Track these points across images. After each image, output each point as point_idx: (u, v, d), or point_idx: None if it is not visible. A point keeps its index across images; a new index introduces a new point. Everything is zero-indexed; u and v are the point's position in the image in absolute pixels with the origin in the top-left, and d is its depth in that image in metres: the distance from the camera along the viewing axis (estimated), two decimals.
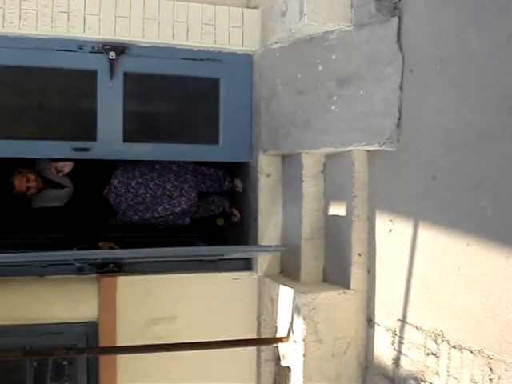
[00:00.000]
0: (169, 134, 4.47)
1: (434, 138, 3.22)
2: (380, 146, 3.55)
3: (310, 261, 4.12)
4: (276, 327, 4.14)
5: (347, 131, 3.74)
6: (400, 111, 3.44)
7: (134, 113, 4.36)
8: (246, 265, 4.45)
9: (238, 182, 4.80)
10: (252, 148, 4.53)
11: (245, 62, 4.47)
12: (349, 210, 3.81)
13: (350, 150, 3.77)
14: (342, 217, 3.88)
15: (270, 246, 3.90)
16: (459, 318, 3.01)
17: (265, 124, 4.36)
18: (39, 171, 4.36)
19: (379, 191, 3.70)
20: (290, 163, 4.31)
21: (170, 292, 4.25)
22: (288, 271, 4.32)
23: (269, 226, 4.37)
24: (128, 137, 4.30)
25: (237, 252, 3.85)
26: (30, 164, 4.42)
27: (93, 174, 4.47)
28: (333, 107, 3.83)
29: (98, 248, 4.01)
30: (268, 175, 4.39)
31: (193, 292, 4.30)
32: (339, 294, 3.77)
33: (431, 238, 3.20)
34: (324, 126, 3.89)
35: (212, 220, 5.03)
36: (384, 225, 3.64)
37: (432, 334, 3.20)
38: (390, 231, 3.56)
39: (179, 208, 4.45)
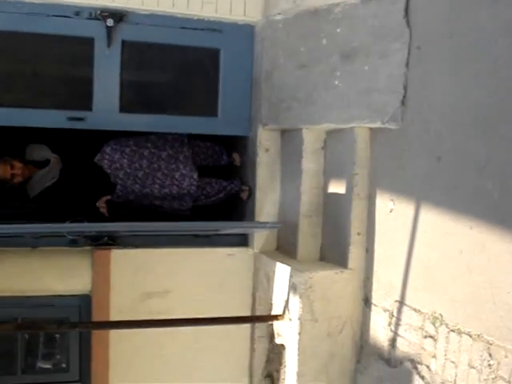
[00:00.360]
0: (166, 105, 4.35)
1: (440, 117, 3.13)
2: (383, 124, 3.46)
3: (308, 238, 4.05)
4: (271, 304, 4.09)
5: (350, 107, 3.65)
6: (405, 88, 3.35)
7: (131, 82, 4.24)
8: (242, 240, 4.38)
9: (236, 156, 4.67)
10: (251, 122, 4.43)
11: (246, 33, 4.34)
12: (349, 189, 3.73)
13: (353, 127, 3.68)
14: (342, 195, 3.81)
15: (266, 223, 3.83)
16: (459, 302, 2.96)
17: (265, 98, 4.25)
18: (27, 159, 4.22)
19: (381, 170, 3.62)
20: (289, 138, 4.22)
21: (164, 266, 4.19)
22: (285, 248, 4.26)
23: (266, 201, 4.29)
24: (125, 107, 4.18)
25: (233, 228, 3.78)
26: (18, 153, 4.25)
27: (85, 143, 4.35)
28: (336, 82, 3.73)
29: (95, 220, 3.88)
30: (267, 150, 4.31)
31: (187, 267, 4.24)
32: (336, 273, 3.72)
33: (433, 219, 3.14)
34: (326, 101, 3.79)
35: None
36: (384, 204, 3.57)
37: (430, 317, 3.15)
38: (391, 211, 3.49)
39: (177, 178, 4.29)
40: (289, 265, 3.84)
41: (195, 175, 4.28)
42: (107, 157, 4.13)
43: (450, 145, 3.06)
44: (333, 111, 3.76)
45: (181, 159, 4.30)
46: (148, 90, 4.33)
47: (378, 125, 3.51)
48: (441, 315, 3.09)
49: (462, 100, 3.00)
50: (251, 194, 4.38)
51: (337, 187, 3.89)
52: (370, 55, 3.54)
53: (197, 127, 4.38)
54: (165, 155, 4.27)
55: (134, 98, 4.27)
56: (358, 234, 3.72)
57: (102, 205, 4.11)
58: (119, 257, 4.09)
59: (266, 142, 4.30)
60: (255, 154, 4.32)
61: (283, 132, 4.30)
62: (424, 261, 3.21)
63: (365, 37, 3.57)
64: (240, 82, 4.38)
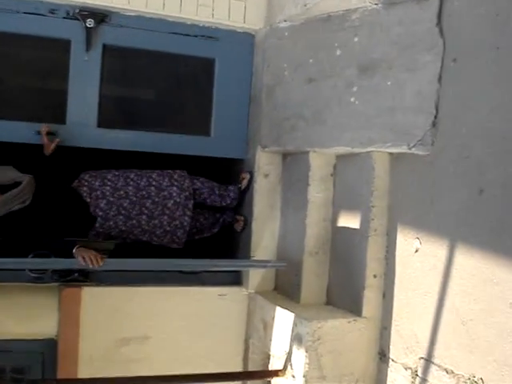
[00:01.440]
0: (152, 121, 3.81)
1: (482, 142, 2.63)
2: (409, 149, 2.95)
3: (313, 279, 3.51)
4: (268, 355, 3.51)
5: (368, 128, 3.13)
6: (437, 108, 2.85)
7: (112, 93, 3.71)
8: (235, 279, 3.81)
9: (245, 176, 3.91)
10: (249, 143, 3.91)
11: (245, 41, 3.83)
12: (364, 223, 3.20)
13: (370, 152, 3.17)
14: (355, 230, 3.28)
15: (267, 262, 3.27)
16: (507, 366, 2.43)
17: (266, 116, 3.73)
18: None
19: (403, 202, 3.10)
20: (293, 163, 3.69)
21: (144, 307, 3.59)
22: (285, 289, 3.70)
23: (264, 234, 3.75)
24: (103, 121, 3.64)
25: (228, 267, 3.22)
26: None
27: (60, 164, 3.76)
28: (352, 99, 3.22)
29: (66, 255, 3.18)
30: (266, 175, 3.77)
31: (170, 308, 3.65)
32: (349, 322, 3.16)
33: (473, 263, 2.61)
34: (339, 120, 3.28)
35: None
36: (408, 243, 3.05)
37: (468, 381, 2.61)
38: (417, 251, 2.96)
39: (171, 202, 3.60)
40: (292, 311, 3.28)
41: (190, 204, 3.66)
42: (86, 183, 3.48)
43: (494, 175, 2.55)
44: (346, 132, 3.24)
45: (175, 184, 3.66)
46: (131, 102, 3.80)
47: (402, 150, 2.99)
48: (481, 380, 2.55)
49: (508, 123, 2.50)
50: (246, 224, 3.83)
51: (349, 220, 3.35)
52: (393, 68, 3.03)
53: (186, 147, 3.83)
54: (155, 176, 3.65)
55: (114, 112, 3.73)
56: (375, 276, 3.18)
57: (81, 253, 3.20)
58: (91, 296, 3.49)
59: (265, 167, 3.77)
60: (252, 180, 3.78)
61: (285, 155, 3.78)
62: (460, 313, 2.68)
63: (388, 47, 3.07)
64: (237, 97, 3.86)
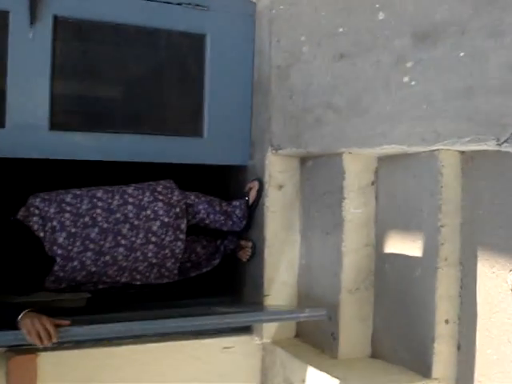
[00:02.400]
0: (123, 119, 2.86)
1: None
2: (499, 145, 2.06)
3: (354, 324, 2.61)
4: None
5: (432, 119, 2.24)
6: None
7: (69, 84, 2.72)
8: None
9: (253, 183, 2.96)
10: (254, 144, 2.98)
11: (244, 10, 2.90)
12: (429, 249, 2.32)
13: (435, 151, 2.28)
14: (415, 259, 2.39)
15: (300, 312, 2.30)
16: None
17: (278, 107, 2.81)
18: None
19: (486, 219, 2.22)
20: (318, 169, 2.78)
21: (124, 373, 2.64)
22: (312, 337, 2.78)
23: (280, 264, 2.84)
24: (58, 123, 2.67)
25: (247, 322, 2.28)
26: None
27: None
28: (405, 79, 2.32)
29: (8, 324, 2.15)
30: (280, 187, 2.86)
31: (160, 372, 2.70)
32: None
33: None
34: (388, 109, 2.38)
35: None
36: (495, 276, 2.18)
37: None
38: None
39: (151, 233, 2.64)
40: (332, 374, 2.37)
41: (183, 224, 2.69)
42: (37, 211, 2.46)
43: None
44: (399, 125, 2.34)
45: (160, 198, 2.67)
46: (95, 96, 2.81)
47: (487, 146, 2.11)
48: None
49: None
50: (255, 252, 2.91)
51: (402, 245, 2.46)
52: (467, 33, 2.15)
53: (170, 154, 2.88)
54: (132, 191, 2.66)
55: (72, 109, 2.75)
56: (447, 321, 2.31)
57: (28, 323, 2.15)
58: (52, 363, 2.52)
59: (278, 175, 2.85)
60: (263, 191, 2.86)
61: (305, 159, 2.86)
62: None
63: (456, 4, 2.19)
64: (236, 85, 2.95)
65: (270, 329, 2.80)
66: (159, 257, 2.67)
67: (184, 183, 2.84)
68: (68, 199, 2.52)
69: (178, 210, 2.69)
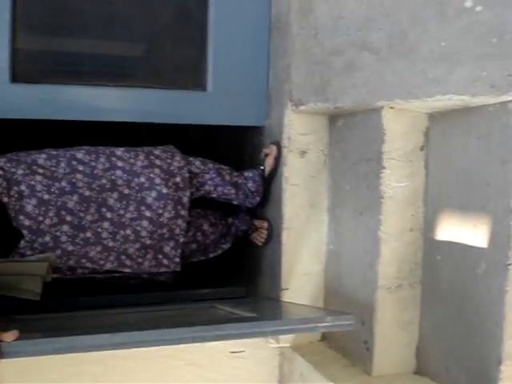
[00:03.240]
0: (105, 69, 2.29)
1: None
2: None
3: (393, 332, 2.01)
4: None
5: (504, 57, 1.60)
6: None
7: (35, 21, 2.17)
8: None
9: (270, 149, 2.34)
10: (271, 99, 2.38)
11: None
12: (498, 237, 1.69)
13: (508, 102, 1.65)
14: (477, 250, 1.76)
15: (322, 318, 1.67)
16: None
17: (298, 50, 2.18)
18: None
19: None
20: (349, 130, 2.15)
21: None
22: (342, 343, 2.20)
23: (302, 251, 2.25)
24: (21, 73, 2.12)
25: (263, 333, 1.69)
26: None
27: None
28: (467, 3, 1.68)
29: None
30: (303, 153, 2.24)
31: (151, 382, 2.19)
32: None
33: None
34: (442, 46, 1.73)
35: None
36: None
37: None
38: None
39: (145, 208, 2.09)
40: None
41: (185, 197, 2.15)
42: (1, 172, 1.93)
43: None
44: (457, 67, 1.70)
45: (158, 164, 2.14)
46: (68, 38, 2.25)
47: None
48: None
49: None
50: (271, 235, 2.33)
51: (461, 232, 1.83)
52: None
53: (165, 111, 2.30)
54: (122, 153, 2.12)
55: (39, 56, 2.20)
56: None
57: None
58: (17, 372, 2.03)
59: (300, 139, 2.24)
60: (280, 162, 2.27)
61: (334, 118, 2.24)
62: None
63: None
64: (249, 24, 2.32)
65: None
66: (155, 237, 2.12)
67: (186, 150, 2.27)
68: (41, 161, 1.99)
69: (178, 179, 2.15)
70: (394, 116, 1.95)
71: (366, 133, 2.03)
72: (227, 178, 2.30)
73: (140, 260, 2.15)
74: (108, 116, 2.25)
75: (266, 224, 2.35)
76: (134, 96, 2.28)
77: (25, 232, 1.93)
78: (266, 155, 2.33)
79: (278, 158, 2.29)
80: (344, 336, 2.16)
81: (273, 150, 2.30)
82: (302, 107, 2.18)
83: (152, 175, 2.10)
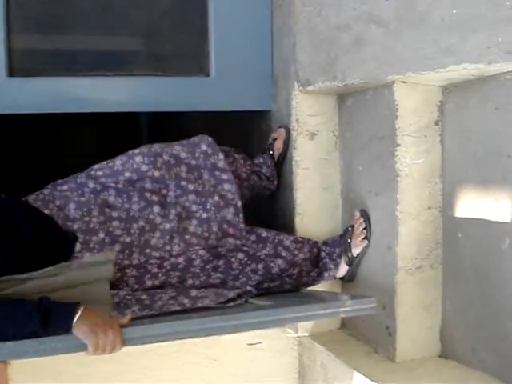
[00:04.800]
0: (103, 58, 2.22)
1: None
2: None
3: (416, 315, 1.94)
4: None
5: None
6: None
7: (31, 14, 2.10)
8: None
9: (278, 133, 2.27)
10: (277, 81, 2.30)
11: None
12: None
13: None
14: (500, 225, 1.68)
15: (342, 303, 1.60)
16: None
17: (303, 28, 2.11)
18: None
19: None
20: (360, 108, 2.08)
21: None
22: (363, 330, 2.13)
23: (316, 235, 2.17)
24: (18, 67, 2.06)
25: (266, 323, 1.62)
26: None
27: None
28: None
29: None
30: (313, 135, 2.17)
31: (165, 379, 2.13)
32: None
33: None
34: (454, 13, 1.65)
35: None
36: None
37: None
38: None
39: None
40: None
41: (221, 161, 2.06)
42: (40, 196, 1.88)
43: None
44: (471, 35, 1.61)
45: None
46: (65, 29, 2.18)
47: None
48: None
49: None
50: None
51: (482, 206, 1.76)
52: None
53: (168, 99, 2.23)
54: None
55: (35, 49, 2.13)
56: None
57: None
58: (26, 373, 1.98)
59: (309, 120, 2.16)
60: (289, 144, 2.19)
61: (344, 97, 2.17)
62: None
63: None
64: (249, 7, 2.26)
65: None
66: (210, 208, 1.96)
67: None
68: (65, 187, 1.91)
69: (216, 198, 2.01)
70: (407, 90, 1.87)
71: (377, 110, 1.95)
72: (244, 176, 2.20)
73: (206, 235, 1.95)
74: (109, 107, 2.19)
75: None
76: (136, 85, 2.22)
77: (78, 234, 1.80)
78: (275, 140, 2.26)
79: (287, 142, 2.21)
80: (364, 322, 2.09)
81: (281, 133, 2.23)
82: (310, 87, 2.10)
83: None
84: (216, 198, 1.97)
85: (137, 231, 1.88)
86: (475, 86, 1.77)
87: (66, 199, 1.84)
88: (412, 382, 1.79)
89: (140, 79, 2.22)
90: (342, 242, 2.06)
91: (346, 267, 2.06)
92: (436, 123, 1.91)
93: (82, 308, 1.46)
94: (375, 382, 1.78)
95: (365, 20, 1.89)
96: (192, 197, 1.95)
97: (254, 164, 2.27)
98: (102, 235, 1.83)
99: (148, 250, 1.88)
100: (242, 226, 1.99)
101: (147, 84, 2.21)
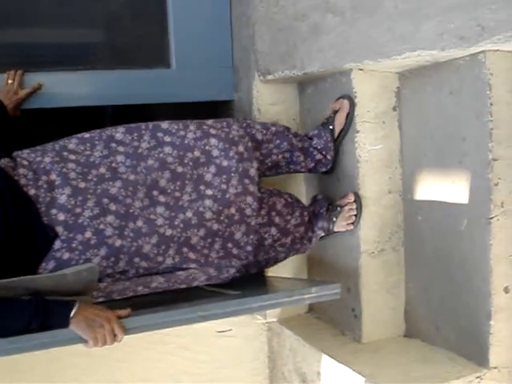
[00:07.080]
0: (63, 53, 2.21)
1: None
2: None
3: (380, 296, 1.99)
4: None
5: (472, 6, 1.55)
6: None
7: None
8: None
9: (343, 104, 1.95)
10: (238, 71, 2.32)
11: None
12: (478, 192, 1.67)
13: (478, 53, 1.61)
14: (458, 207, 1.74)
15: (307, 290, 1.62)
16: None
17: (261, 18, 2.13)
18: None
19: None
20: (320, 96, 2.11)
21: (91, 376, 2.10)
22: (329, 313, 2.18)
23: None
24: None
25: (234, 312, 1.64)
26: None
27: None
28: None
29: None
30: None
31: (138, 370, 2.16)
32: (470, 381, 1.67)
33: None
34: (407, 1, 1.69)
35: None
36: None
37: None
38: None
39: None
40: (357, 369, 1.77)
41: (252, 170, 1.80)
42: (25, 162, 1.61)
43: None
44: (424, 22, 1.65)
45: (213, 133, 1.81)
46: (22, 25, 2.17)
47: None
48: None
49: None
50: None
51: (440, 189, 1.81)
52: None
53: (131, 92, 2.23)
54: (167, 127, 1.79)
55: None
56: (506, 290, 1.68)
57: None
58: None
59: (271, 109, 2.19)
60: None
61: (304, 85, 2.20)
62: None
63: None
64: None
65: None
66: (223, 220, 1.73)
67: None
68: (72, 145, 1.68)
69: (241, 148, 1.80)
70: (364, 78, 1.91)
71: (336, 97, 1.98)
72: (294, 141, 1.97)
73: (206, 251, 1.73)
74: (71, 101, 2.17)
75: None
76: (97, 79, 2.20)
77: (59, 229, 1.55)
78: (335, 112, 1.97)
79: (350, 116, 1.94)
80: (331, 306, 2.13)
81: (344, 105, 1.94)
82: (270, 76, 2.13)
83: (208, 147, 1.76)
84: (233, 209, 1.75)
85: (132, 234, 1.63)
86: (430, 72, 1.81)
87: (63, 179, 1.59)
88: (378, 361, 1.84)
89: (101, 73, 2.21)
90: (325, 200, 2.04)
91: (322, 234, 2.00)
92: (394, 109, 1.95)
93: (77, 304, 1.46)
94: (342, 363, 1.83)
95: (321, 9, 1.91)
96: (208, 202, 1.72)
97: (305, 137, 2.02)
98: (88, 234, 1.58)
99: (137, 259, 1.66)
100: (249, 248, 1.80)
101: (109, 77, 2.20)
